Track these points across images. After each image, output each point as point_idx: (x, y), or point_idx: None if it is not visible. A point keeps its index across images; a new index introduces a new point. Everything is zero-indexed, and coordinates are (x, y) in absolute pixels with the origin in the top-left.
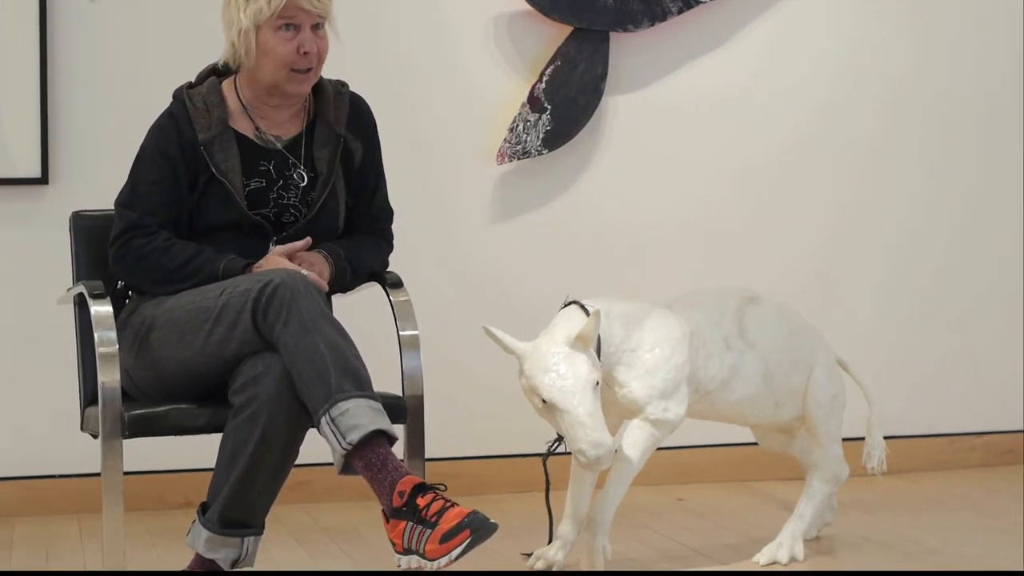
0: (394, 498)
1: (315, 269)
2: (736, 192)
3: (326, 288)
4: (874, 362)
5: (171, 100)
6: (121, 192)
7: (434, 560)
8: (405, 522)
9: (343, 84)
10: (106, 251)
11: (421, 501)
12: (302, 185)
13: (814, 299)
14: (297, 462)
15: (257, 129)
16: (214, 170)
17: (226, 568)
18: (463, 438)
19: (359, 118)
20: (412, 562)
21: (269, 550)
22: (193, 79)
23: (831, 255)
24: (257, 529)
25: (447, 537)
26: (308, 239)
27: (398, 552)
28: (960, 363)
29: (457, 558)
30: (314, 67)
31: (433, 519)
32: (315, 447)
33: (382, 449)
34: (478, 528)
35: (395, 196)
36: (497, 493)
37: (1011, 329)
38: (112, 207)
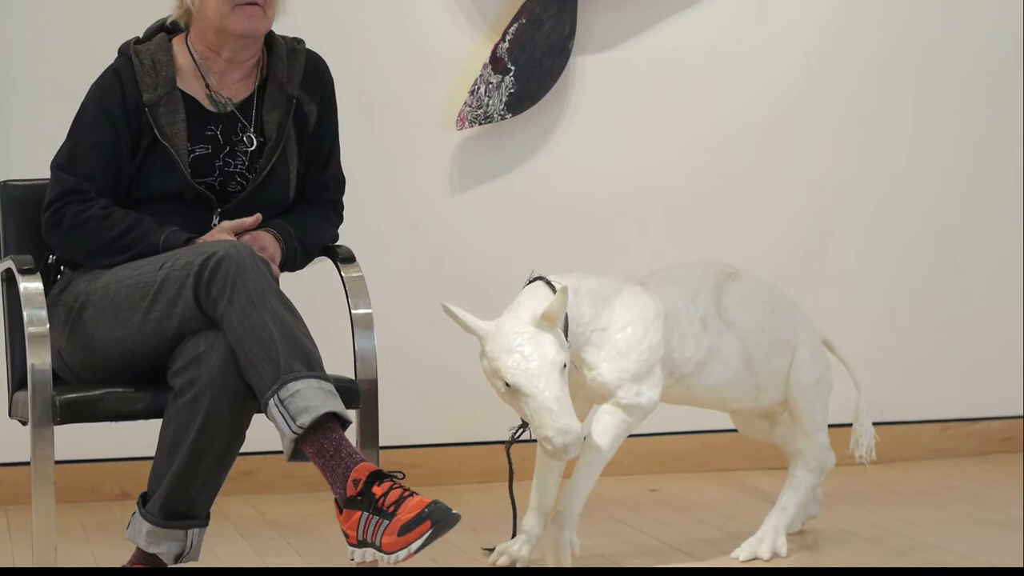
0: (348, 487)
1: (265, 252)
2: (714, 159)
3: (277, 273)
4: (862, 342)
5: (116, 56)
6: (58, 153)
7: (391, 553)
8: (360, 512)
9: (299, 41)
10: (37, 222)
11: (377, 490)
12: (250, 150)
13: (798, 274)
14: (241, 450)
15: (208, 88)
16: (158, 134)
17: (169, 563)
18: (420, 425)
19: (315, 78)
20: (367, 555)
21: (211, 546)
22: (140, 35)
23: (816, 226)
24: (202, 520)
25: (406, 529)
26: (259, 216)
27: (351, 544)
28: (955, 343)
29: (416, 551)
30: (260, 3)
31: (391, 509)
32: (261, 433)
33: (335, 434)
34: (439, 519)
35: (346, 164)
36: (457, 483)
37: (1010, 306)
38: (44, 174)
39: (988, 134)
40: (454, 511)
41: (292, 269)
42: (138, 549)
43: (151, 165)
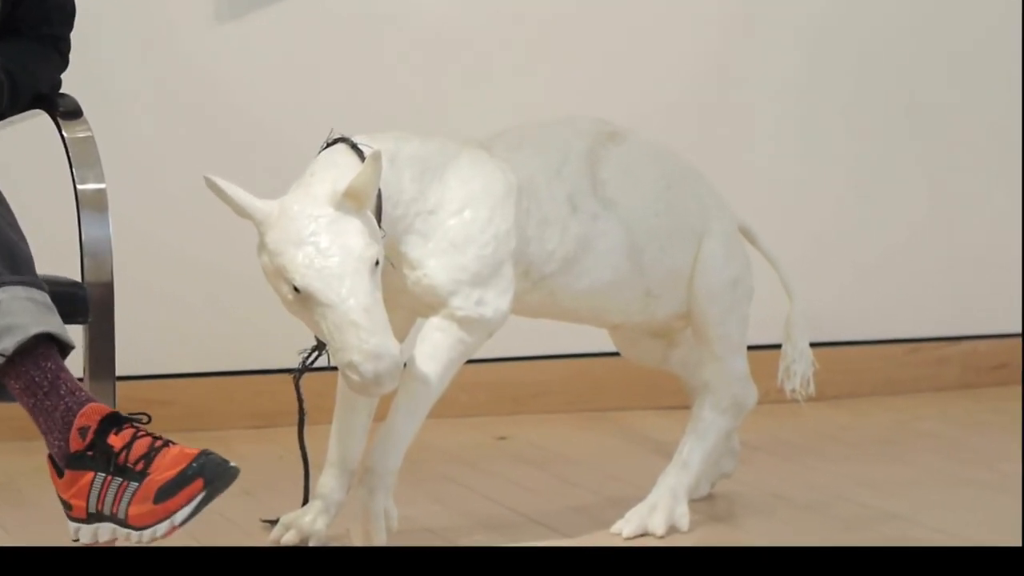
0: (72, 438)
1: None
2: None
3: None
4: (798, 232)
5: None
6: None
7: (145, 528)
8: (92, 473)
9: None
10: None
11: (116, 440)
12: None
13: (704, 134)
14: None
15: None
16: None
17: None
18: (173, 347)
19: None
20: (100, 533)
21: None
22: None
23: (730, 66)
24: None
25: (166, 493)
26: None
27: (77, 519)
28: (928, 234)
29: (183, 522)
30: None
31: (139, 466)
32: None
33: (50, 363)
34: (214, 476)
35: None
36: (225, 428)
37: (1004, 182)
38: None
39: None
40: (231, 463)
41: None
42: None
43: None
